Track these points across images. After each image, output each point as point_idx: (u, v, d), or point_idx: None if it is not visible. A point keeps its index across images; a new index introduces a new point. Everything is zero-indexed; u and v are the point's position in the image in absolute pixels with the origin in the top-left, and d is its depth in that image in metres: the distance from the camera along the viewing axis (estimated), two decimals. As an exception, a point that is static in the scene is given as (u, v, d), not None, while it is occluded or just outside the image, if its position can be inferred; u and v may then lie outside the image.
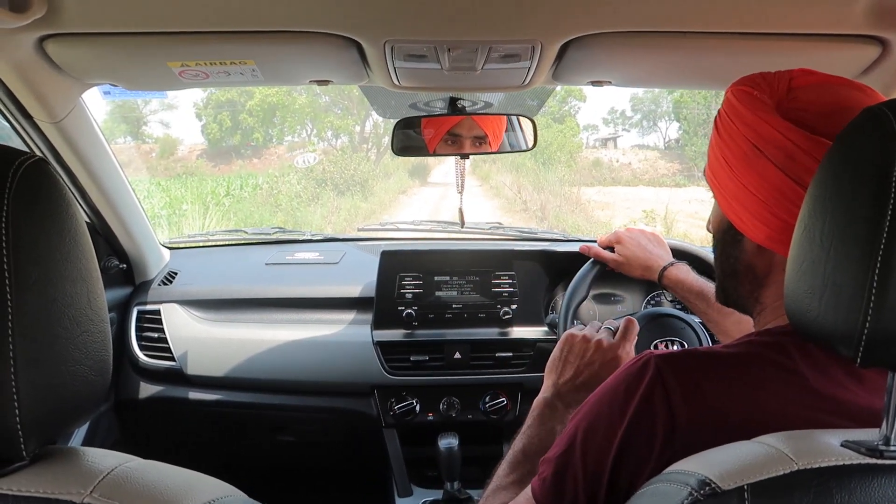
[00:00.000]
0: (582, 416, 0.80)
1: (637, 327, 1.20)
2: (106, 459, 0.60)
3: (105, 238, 1.81)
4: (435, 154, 1.67)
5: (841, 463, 0.57)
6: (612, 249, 1.56)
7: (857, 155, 0.58)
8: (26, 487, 0.55)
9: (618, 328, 1.19)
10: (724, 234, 0.85)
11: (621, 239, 1.55)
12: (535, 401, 1.14)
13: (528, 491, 0.84)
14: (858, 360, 0.58)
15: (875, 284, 0.55)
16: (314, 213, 13.20)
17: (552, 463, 0.80)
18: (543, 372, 1.75)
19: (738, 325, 1.26)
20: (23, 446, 0.56)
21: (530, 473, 0.99)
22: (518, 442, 1.07)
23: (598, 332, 1.20)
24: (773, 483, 0.56)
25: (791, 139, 0.73)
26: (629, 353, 1.16)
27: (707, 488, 0.56)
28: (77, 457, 0.60)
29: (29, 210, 0.55)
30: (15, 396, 0.54)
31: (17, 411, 0.54)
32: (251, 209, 13.37)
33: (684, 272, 1.44)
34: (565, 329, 1.56)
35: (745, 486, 0.56)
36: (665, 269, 1.46)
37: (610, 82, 1.36)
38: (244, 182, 15.84)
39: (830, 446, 0.59)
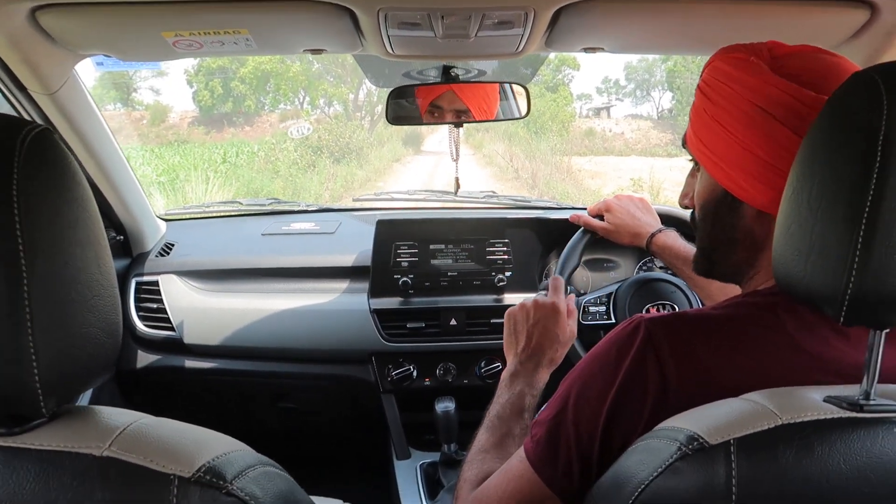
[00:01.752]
0: (573, 378, 0.82)
1: (562, 282, 1.30)
2: (122, 416, 0.62)
3: (102, 210, 1.79)
4: (429, 123, 1.68)
5: (823, 417, 0.59)
6: (601, 218, 1.58)
7: (846, 119, 0.60)
8: (48, 442, 0.58)
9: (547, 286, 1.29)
10: (718, 203, 0.85)
11: (610, 207, 1.56)
12: (502, 375, 1.19)
13: (520, 452, 0.86)
14: (842, 319, 0.60)
15: (860, 246, 0.57)
16: (311, 179, 13.20)
17: (545, 425, 0.82)
18: None
19: (723, 290, 1.28)
20: (42, 404, 0.58)
21: (507, 435, 1.04)
22: (492, 409, 1.11)
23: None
24: (757, 437, 0.58)
25: (798, 98, 0.74)
26: (562, 301, 1.24)
27: (695, 443, 0.59)
28: (94, 414, 0.63)
29: (37, 178, 0.57)
30: (34, 357, 0.56)
31: (35, 371, 0.57)
32: (251, 175, 13.37)
33: (672, 238, 1.46)
34: None
35: (732, 441, 0.58)
36: (653, 235, 1.48)
37: (602, 49, 1.36)
38: (239, 149, 15.80)
39: (813, 401, 0.61)
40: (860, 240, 0.57)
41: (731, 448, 0.58)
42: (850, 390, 0.63)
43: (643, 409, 0.72)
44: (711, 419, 0.61)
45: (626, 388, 0.74)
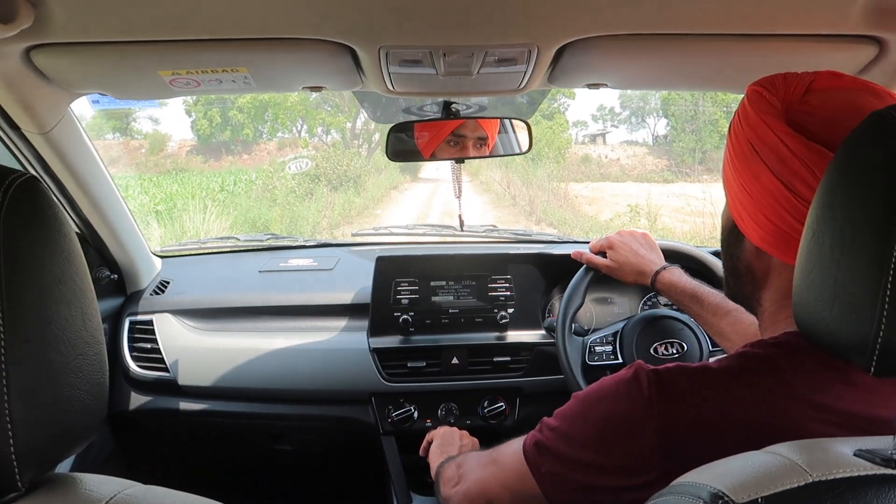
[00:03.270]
0: (578, 406, 0.84)
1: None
2: (104, 486, 0.58)
3: (96, 248, 1.78)
4: (432, 159, 1.65)
5: (856, 474, 0.55)
6: (604, 255, 1.56)
7: (864, 160, 0.57)
8: None
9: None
10: (729, 232, 0.86)
11: (613, 244, 1.54)
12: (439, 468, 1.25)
13: (517, 445, 0.89)
14: (873, 369, 0.57)
15: (889, 292, 0.54)
16: (309, 208, 13.23)
17: (546, 434, 0.85)
18: (541, 376, 1.76)
19: (734, 326, 1.27)
20: (18, 477, 0.54)
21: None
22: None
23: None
24: (787, 496, 0.54)
25: (785, 143, 0.73)
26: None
27: (720, 501, 0.55)
28: (74, 485, 0.59)
29: (21, 231, 0.53)
30: (9, 426, 0.52)
31: (11, 441, 0.53)
32: (249, 204, 13.41)
33: (677, 275, 1.45)
34: (563, 336, 1.55)
35: (760, 500, 0.54)
36: (658, 273, 1.47)
37: (606, 85, 1.36)
38: (237, 178, 15.86)
39: (844, 456, 0.58)
40: (889, 286, 0.54)
41: None
42: (880, 443, 0.59)
43: (641, 458, 0.73)
44: (735, 475, 0.57)
45: (622, 438, 0.75)
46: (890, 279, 0.54)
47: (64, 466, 1.56)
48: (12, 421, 0.52)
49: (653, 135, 24.39)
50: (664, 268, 1.47)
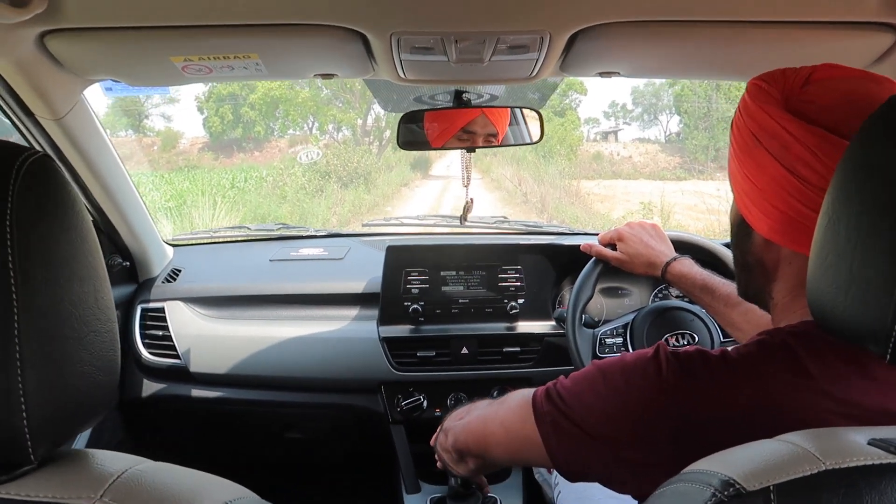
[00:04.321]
0: (585, 385, 0.83)
1: None
2: (116, 462, 0.59)
3: (108, 236, 1.80)
4: (441, 148, 1.65)
5: (870, 462, 0.55)
6: (613, 247, 1.55)
7: (883, 146, 0.57)
8: (35, 492, 0.54)
9: None
10: (738, 227, 0.86)
11: (623, 236, 1.54)
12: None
13: (526, 393, 0.89)
14: (888, 356, 0.56)
15: None
16: (319, 204, 13.28)
17: (558, 392, 0.84)
18: (551, 367, 1.76)
19: (745, 316, 1.27)
20: (31, 450, 0.55)
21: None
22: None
23: None
24: (799, 483, 0.54)
25: (786, 128, 0.73)
26: None
27: (731, 489, 0.54)
28: (86, 460, 0.59)
29: (34, 207, 0.54)
30: (22, 400, 0.53)
31: (24, 415, 0.53)
32: (259, 200, 13.45)
33: (688, 266, 1.44)
34: (574, 328, 1.55)
35: (771, 487, 0.54)
36: (668, 264, 1.46)
37: (619, 73, 1.35)
38: (248, 174, 15.91)
39: (857, 445, 0.57)
40: None
41: (771, 495, 0.54)
42: (894, 433, 0.58)
43: (657, 443, 0.73)
44: (747, 462, 0.57)
45: (640, 423, 0.75)
46: None
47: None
48: (25, 394, 0.53)
49: (665, 132, 24.31)
50: (675, 259, 1.46)
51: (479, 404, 1.09)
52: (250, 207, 12.64)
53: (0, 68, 1.17)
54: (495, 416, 0.96)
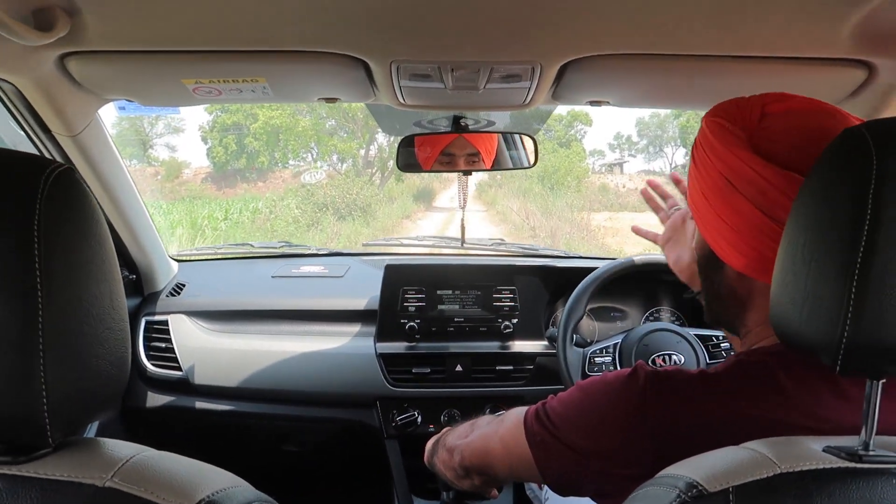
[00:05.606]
0: (569, 405, 0.86)
1: None
2: (125, 449, 0.64)
3: (116, 249, 1.83)
4: (431, 170, 1.71)
5: (822, 466, 0.60)
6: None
7: (837, 173, 0.61)
8: (51, 471, 0.59)
9: None
10: (707, 259, 0.87)
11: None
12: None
13: (519, 413, 0.93)
14: (838, 367, 0.61)
15: (853, 297, 0.58)
16: (312, 238, 12.97)
17: (546, 413, 0.88)
18: (543, 385, 1.78)
19: None
20: (49, 434, 0.60)
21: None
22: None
23: None
24: (756, 485, 0.59)
25: (762, 175, 0.75)
26: None
27: (694, 490, 0.60)
28: (97, 446, 0.65)
29: (58, 214, 0.59)
30: (43, 387, 0.58)
31: (44, 401, 0.58)
32: (244, 236, 13.16)
33: None
34: (564, 347, 1.59)
35: (730, 489, 0.59)
36: None
37: (608, 102, 1.40)
38: (244, 206, 15.69)
39: (812, 451, 0.62)
40: (853, 291, 0.58)
41: (730, 496, 0.58)
42: (850, 441, 0.63)
43: (635, 457, 0.76)
44: (710, 467, 0.62)
45: (619, 435, 0.78)
46: (855, 284, 0.58)
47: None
48: (46, 382, 0.58)
49: (671, 164, 24.32)
50: None
51: (480, 422, 1.11)
52: (236, 241, 12.30)
53: (21, 86, 1.21)
54: (495, 434, 0.99)
